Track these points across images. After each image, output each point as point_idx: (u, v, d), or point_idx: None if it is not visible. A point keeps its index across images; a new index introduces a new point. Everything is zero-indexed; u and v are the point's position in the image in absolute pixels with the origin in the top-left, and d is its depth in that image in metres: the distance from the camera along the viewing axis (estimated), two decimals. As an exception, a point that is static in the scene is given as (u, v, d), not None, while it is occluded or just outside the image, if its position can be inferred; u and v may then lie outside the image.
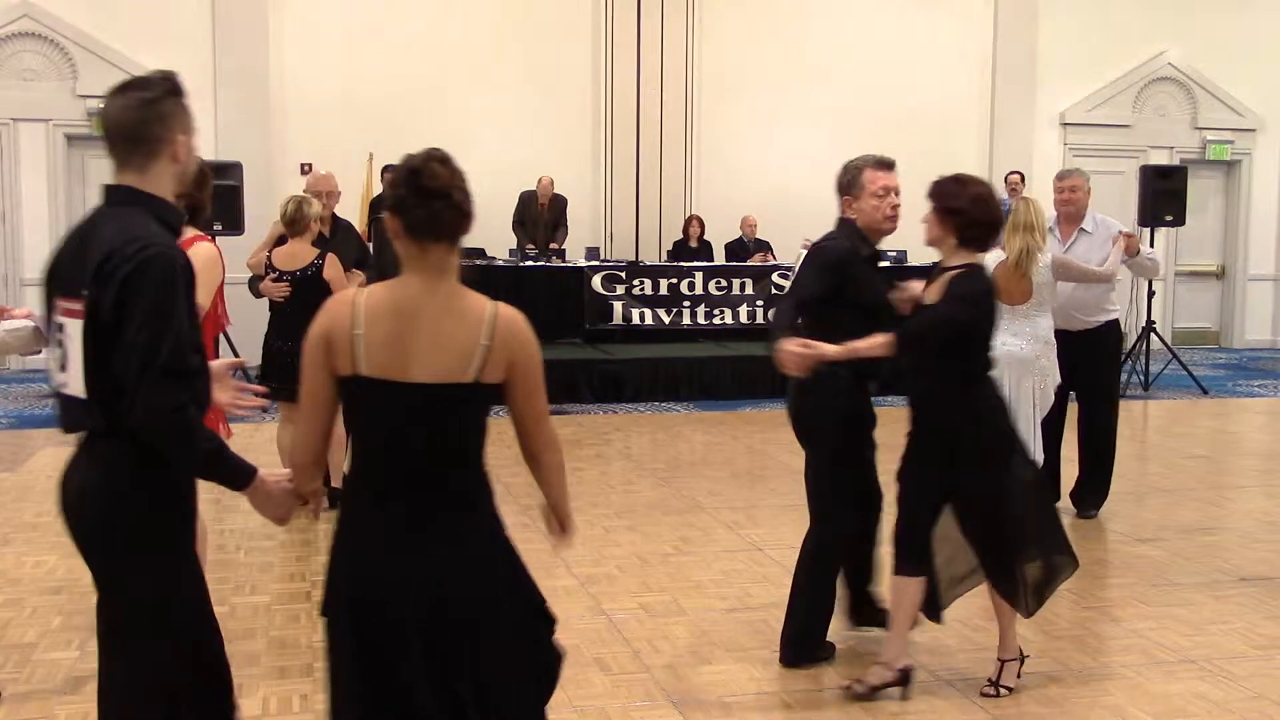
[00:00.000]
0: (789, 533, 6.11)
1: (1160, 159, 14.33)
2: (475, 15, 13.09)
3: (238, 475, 2.54)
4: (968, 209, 3.85)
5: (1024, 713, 3.95)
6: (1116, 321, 6.55)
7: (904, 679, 4.01)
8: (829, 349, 3.83)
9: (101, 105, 2.61)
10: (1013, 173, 12.90)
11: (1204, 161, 15.09)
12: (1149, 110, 15.11)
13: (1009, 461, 3.96)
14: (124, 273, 2.40)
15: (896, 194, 4.22)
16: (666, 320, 11.73)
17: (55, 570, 5.40)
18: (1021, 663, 4.12)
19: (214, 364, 2.90)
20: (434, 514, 2.43)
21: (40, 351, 3.90)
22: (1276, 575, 5.51)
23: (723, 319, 11.93)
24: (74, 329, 2.50)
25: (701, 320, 11.87)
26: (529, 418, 2.55)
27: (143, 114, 2.52)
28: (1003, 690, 4.05)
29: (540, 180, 12.49)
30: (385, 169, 11.94)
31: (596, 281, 11.58)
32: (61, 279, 2.57)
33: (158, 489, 2.55)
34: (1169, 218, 11.79)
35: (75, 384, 2.52)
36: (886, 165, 4.26)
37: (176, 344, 2.41)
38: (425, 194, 2.41)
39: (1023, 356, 5.73)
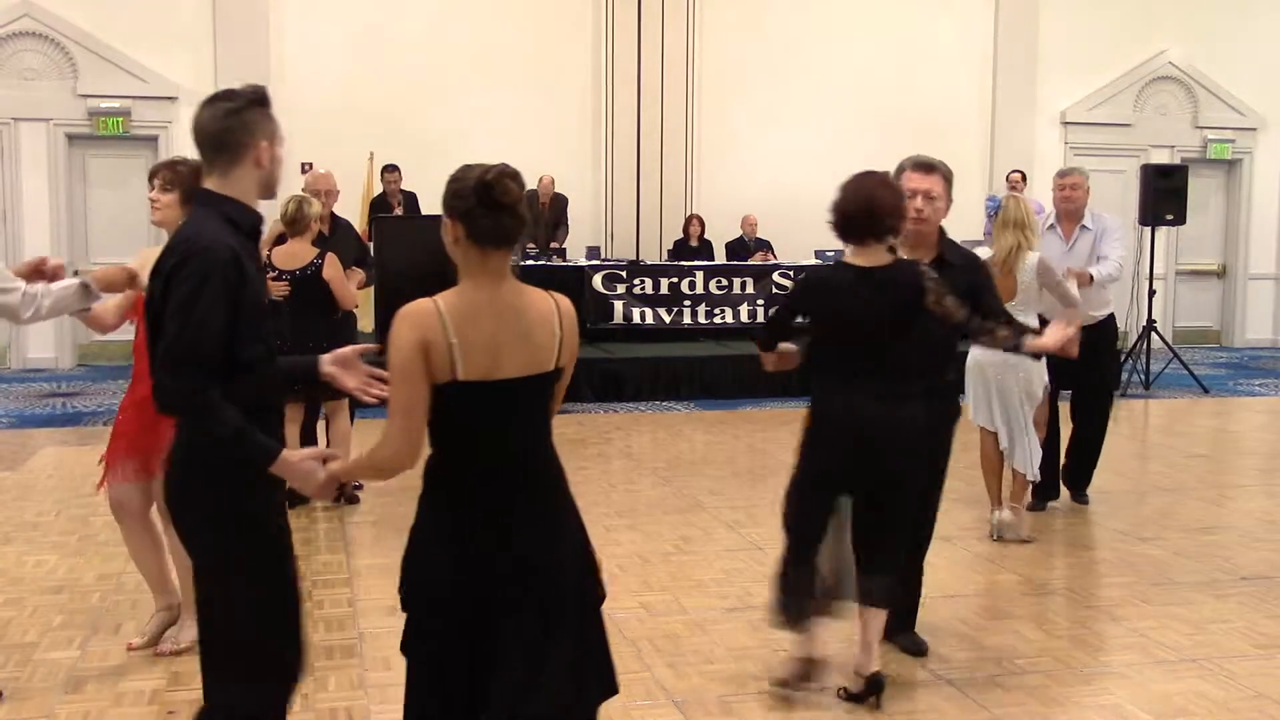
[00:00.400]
0: (789, 532, 6.11)
1: (1161, 158, 14.32)
2: (476, 15, 13.09)
3: (260, 455, 2.66)
4: (835, 203, 3.83)
5: (1025, 712, 3.95)
6: (1113, 315, 6.60)
7: (874, 686, 3.92)
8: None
9: (193, 117, 2.78)
10: (1014, 171, 12.90)
11: (1205, 160, 15.09)
12: (1150, 109, 15.11)
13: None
14: (168, 267, 2.62)
15: (925, 197, 4.16)
16: (667, 319, 11.73)
17: (56, 569, 5.41)
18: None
19: (343, 350, 3.01)
20: (522, 496, 2.61)
21: (90, 308, 3.99)
22: (1277, 574, 5.51)
23: (723, 318, 11.92)
24: None
25: (702, 319, 11.87)
26: (559, 397, 2.76)
27: (227, 122, 2.71)
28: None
29: (541, 179, 12.49)
30: (385, 169, 11.96)
31: (597, 281, 11.58)
32: None
33: (200, 465, 2.68)
34: (1170, 217, 11.78)
35: None
36: (922, 167, 4.23)
37: (199, 334, 2.56)
38: (495, 207, 2.53)
39: (1005, 356, 5.67)
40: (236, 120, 2.71)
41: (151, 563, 4.42)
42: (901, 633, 4.40)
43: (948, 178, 4.25)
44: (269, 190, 2.82)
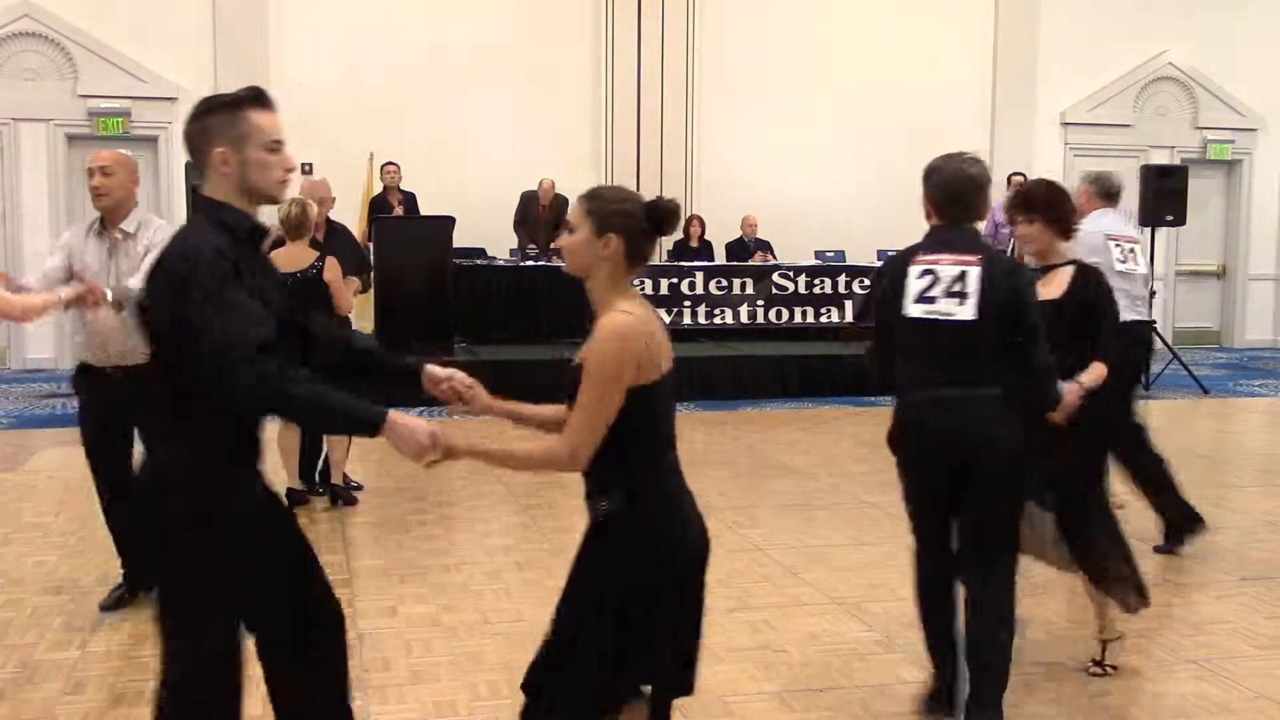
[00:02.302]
0: (789, 533, 6.11)
1: (1161, 159, 14.33)
2: (476, 15, 13.09)
3: (367, 424, 2.61)
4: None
5: (1024, 713, 3.94)
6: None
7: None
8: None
9: None
10: (1015, 174, 12.89)
11: (1205, 161, 15.09)
12: (1150, 110, 15.11)
13: None
14: (159, 282, 2.61)
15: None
16: (667, 320, 11.70)
17: (56, 570, 5.41)
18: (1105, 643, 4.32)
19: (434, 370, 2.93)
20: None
21: None
22: (1277, 575, 5.51)
23: (723, 319, 11.93)
24: None
25: (702, 320, 11.87)
26: None
27: (189, 128, 2.72)
28: (1109, 669, 4.26)
29: (541, 183, 12.49)
30: (385, 165, 11.94)
31: (597, 281, 11.56)
32: None
33: (170, 487, 2.67)
34: (1170, 217, 11.79)
35: None
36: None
37: (230, 328, 2.51)
38: (659, 233, 2.79)
39: None
40: (195, 126, 2.70)
41: None
42: None
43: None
44: (250, 195, 2.70)
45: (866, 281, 12.07)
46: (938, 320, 3.58)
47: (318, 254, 6.37)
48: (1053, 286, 4.12)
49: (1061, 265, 4.18)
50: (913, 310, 3.65)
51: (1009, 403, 3.59)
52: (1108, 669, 4.22)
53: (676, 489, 2.82)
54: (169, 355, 2.62)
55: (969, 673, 3.63)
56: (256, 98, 2.71)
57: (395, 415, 2.59)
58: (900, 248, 4.02)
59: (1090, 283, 4.15)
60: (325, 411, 2.59)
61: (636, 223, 2.74)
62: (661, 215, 2.75)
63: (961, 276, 3.56)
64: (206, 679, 2.66)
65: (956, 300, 3.55)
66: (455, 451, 2.65)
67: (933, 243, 3.70)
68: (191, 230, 2.68)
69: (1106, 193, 6.29)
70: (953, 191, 3.67)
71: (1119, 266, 6.02)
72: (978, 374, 3.56)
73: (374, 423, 2.58)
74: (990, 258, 3.62)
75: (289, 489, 6.49)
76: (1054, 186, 4.26)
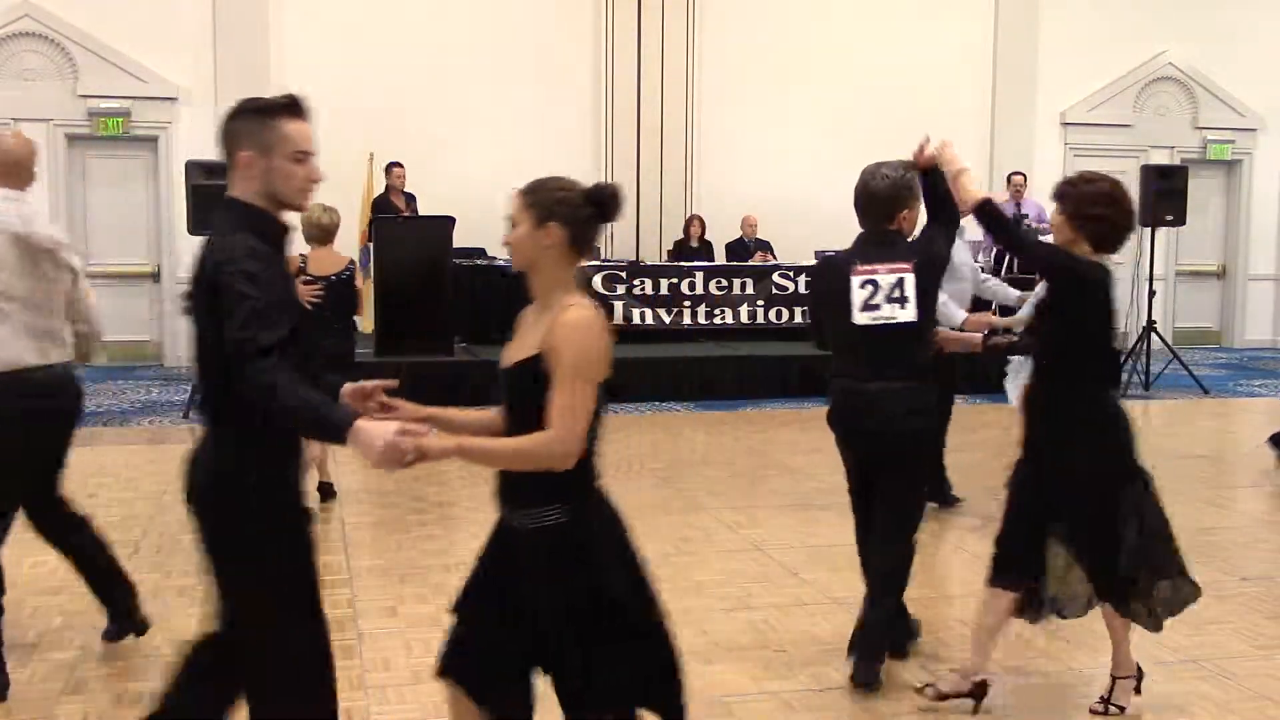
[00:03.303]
0: (789, 533, 6.11)
1: (1161, 159, 14.32)
2: (476, 15, 13.09)
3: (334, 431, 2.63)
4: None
5: (1025, 712, 3.94)
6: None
7: (978, 692, 3.87)
8: None
9: None
10: (1015, 173, 12.89)
11: (1205, 161, 15.09)
12: (1150, 110, 15.11)
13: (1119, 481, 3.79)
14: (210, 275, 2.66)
15: None
16: (667, 320, 11.73)
17: (56, 570, 5.38)
18: (1139, 682, 3.94)
19: (364, 385, 2.85)
20: None
21: None
22: (1277, 575, 5.51)
23: (723, 319, 11.92)
24: None
25: (702, 320, 11.86)
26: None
27: (222, 128, 2.75)
28: (1113, 709, 3.88)
29: (541, 182, 12.48)
30: (393, 163, 11.94)
31: (597, 281, 11.57)
32: None
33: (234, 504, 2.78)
34: (1170, 217, 11.78)
35: None
36: None
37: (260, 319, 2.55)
38: (606, 219, 2.72)
39: None
40: (225, 128, 2.73)
41: None
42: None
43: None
44: (272, 201, 2.72)
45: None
46: (883, 324, 4.01)
47: (349, 259, 6.59)
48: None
49: None
50: (860, 319, 4.03)
51: (925, 391, 4.07)
52: (1112, 708, 3.88)
53: (603, 494, 2.86)
54: (206, 354, 2.67)
55: (865, 617, 4.12)
56: (289, 106, 2.72)
57: (361, 422, 2.50)
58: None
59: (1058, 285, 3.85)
60: (305, 413, 2.54)
61: (578, 210, 2.67)
62: (604, 199, 2.69)
63: (900, 283, 3.98)
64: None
65: (898, 305, 3.99)
66: (429, 452, 2.53)
67: (867, 251, 4.09)
68: (225, 231, 2.68)
69: None
70: (879, 197, 4.06)
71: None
72: (904, 368, 4.01)
73: (341, 427, 2.49)
74: (918, 263, 4.02)
75: (321, 482, 6.61)
76: (1100, 186, 3.75)
